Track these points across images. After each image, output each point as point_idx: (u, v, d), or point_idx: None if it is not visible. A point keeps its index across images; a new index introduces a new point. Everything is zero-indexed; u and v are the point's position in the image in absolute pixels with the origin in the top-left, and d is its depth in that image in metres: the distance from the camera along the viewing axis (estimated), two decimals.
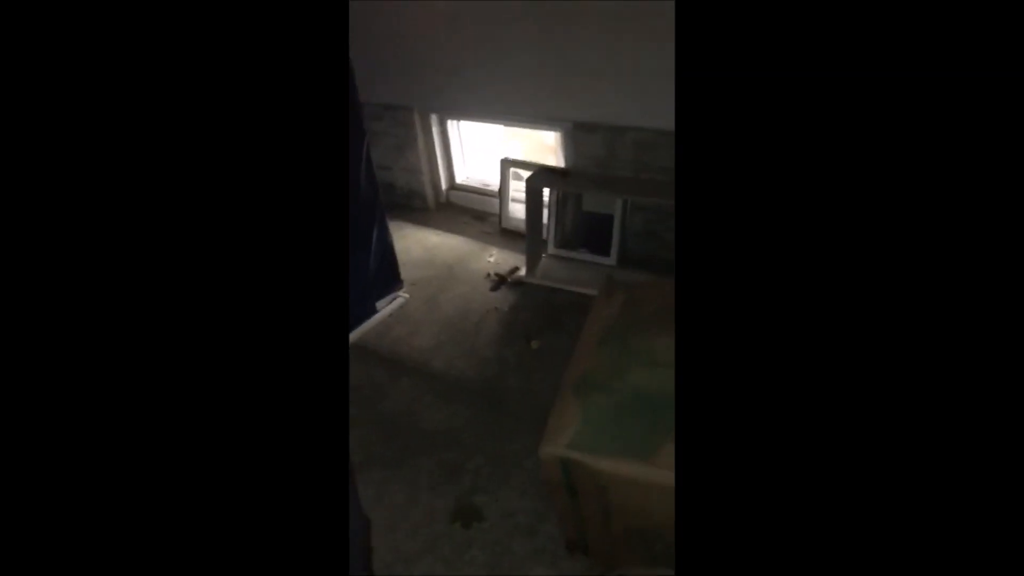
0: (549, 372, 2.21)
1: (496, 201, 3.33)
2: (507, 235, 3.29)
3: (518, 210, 3.16)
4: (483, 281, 2.89)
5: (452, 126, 3.45)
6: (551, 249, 3.04)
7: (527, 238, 2.88)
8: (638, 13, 2.41)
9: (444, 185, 3.62)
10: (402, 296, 2.77)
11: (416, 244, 3.26)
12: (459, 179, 3.62)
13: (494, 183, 3.36)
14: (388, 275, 2.68)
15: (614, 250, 2.89)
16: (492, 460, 1.93)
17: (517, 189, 3.16)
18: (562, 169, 2.82)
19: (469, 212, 3.55)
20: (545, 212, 2.99)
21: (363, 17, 3.05)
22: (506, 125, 3.19)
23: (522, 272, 2.91)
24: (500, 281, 2.86)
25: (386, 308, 2.69)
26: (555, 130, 2.97)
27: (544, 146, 3.27)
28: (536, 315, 2.62)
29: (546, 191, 2.89)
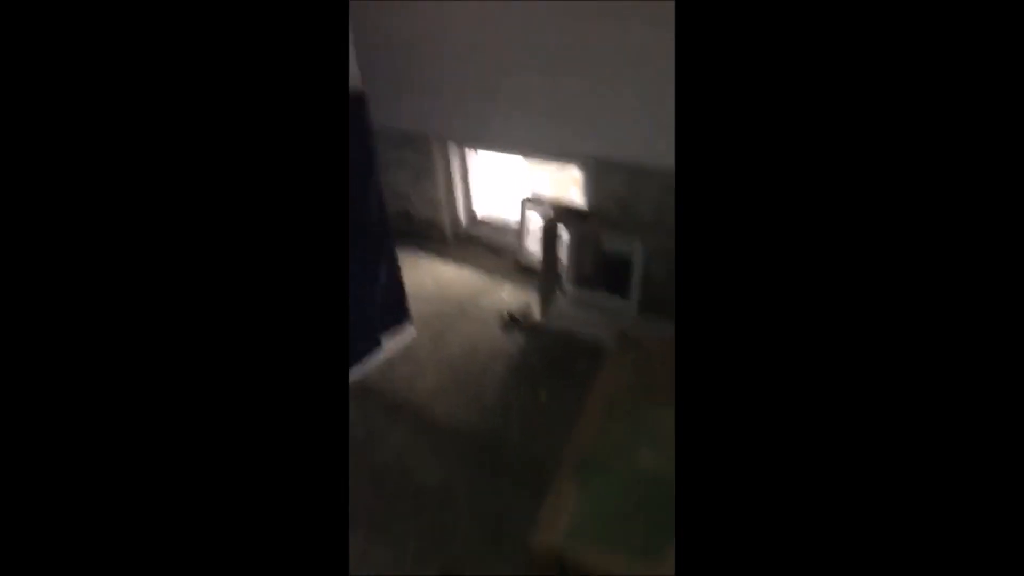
0: (555, 429, 2.06)
1: (515, 235, 3.22)
2: (524, 272, 3.16)
3: (537, 247, 3.03)
4: (495, 320, 2.76)
5: (473, 156, 3.37)
6: (568, 289, 2.90)
7: (542, 278, 2.75)
8: (666, 50, 2.29)
9: (463, 216, 3.53)
10: (409, 332, 2.66)
11: (429, 277, 3.16)
12: (478, 211, 3.53)
13: (514, 216, 3.26)
14: (395, 310, 2.58)
15: (634, 294, 2.74)
16: (484, 525, 1.78)
17: (537, 224, 3.04)
18: (582, 210, 2.69)
19: (487, 245, 3.44)
20: (563, 249, 2.86)
21: (386, 41, 3.02)
22: (527, 158, 3.09)
23: (536, 313, 2.77)
24: (512, 321, 2.72)
25: (391, 345, 2.58)
26: (576, 166, 2.85)
27: (570, 177, 3.15)
28: (547, 361, 2.48)
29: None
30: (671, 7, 1.02)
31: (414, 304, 2.69)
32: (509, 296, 2.96)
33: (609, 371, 1.49)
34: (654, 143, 2.52)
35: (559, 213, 2.73)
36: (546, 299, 2.77)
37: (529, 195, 3.08)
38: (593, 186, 2.80)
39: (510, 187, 3.42)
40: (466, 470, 1.98)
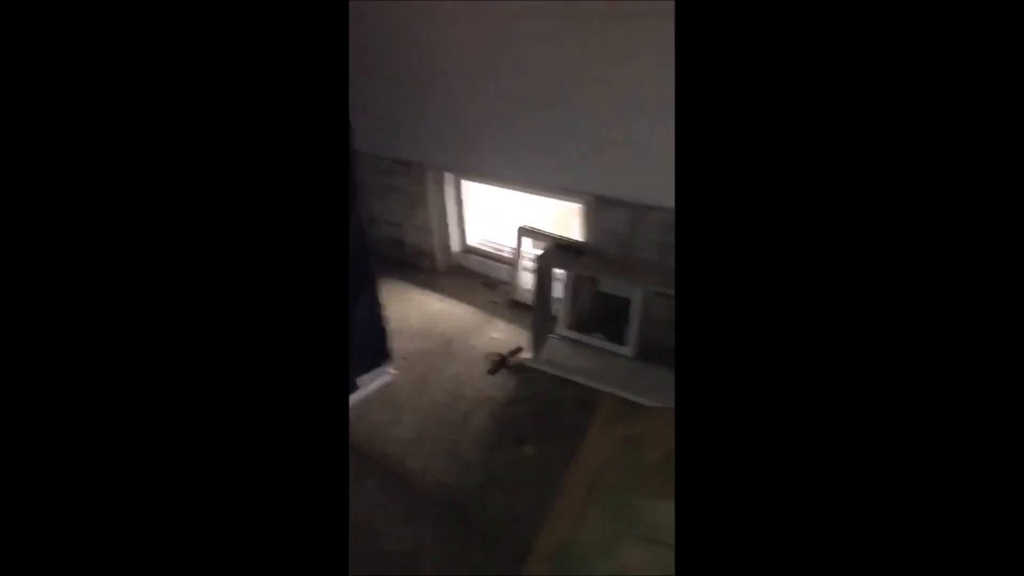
0: (539, 491, 1.86)
1: (509, 268, 3.06)
2: (517, 308, 3.00)
3: (532, 280, 2.87)
4: (481, 361, 2.59)
5: (468, 186, 3.23)
6: (562, 330, 2.73)
7: (534, 317, 2.57)
8: (666, 83, 2.16)
9: (456, 247, 3.38)
10: (389, 373, 2.48)
11: (417, 310, 3.00)
12: (472, 241, 3.37)
13: (509, 247, 3.10)
14: (374, 349, 2.41)
15: (631, 338, 2.56)
16: None
17: (531, 258, 2.89)
18: (577, 246, 2.53)
19: (479, 277, 3.28)
20: (559, 288, 2.69)
21: (380, 66, 2.90)
22: (524, 191, 2.95)
23: (526, 354, 2.60)
24: (500, 363, 2.55)
25: (369, 386, 2.40)
26: (575, 201, 2.70)
27: (569, 209, 3.00)
28: (535, 411, 2.29)
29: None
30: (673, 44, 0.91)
31: (398, 340, 2.53)
32: (499, 334, 2.79)
33: (594, 444, 1.32)
34: (655, 180, 2.38)
35: (555, 248, 2.57)
36: (538, 340, 2.60)
37: (526, 225, 2.93)
38: (591, 223, 2.64)
39: (506, 219, 3.27)
40: (438, 532, 1.78)
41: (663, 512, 1.10)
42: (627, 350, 2.58)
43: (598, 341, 2.65)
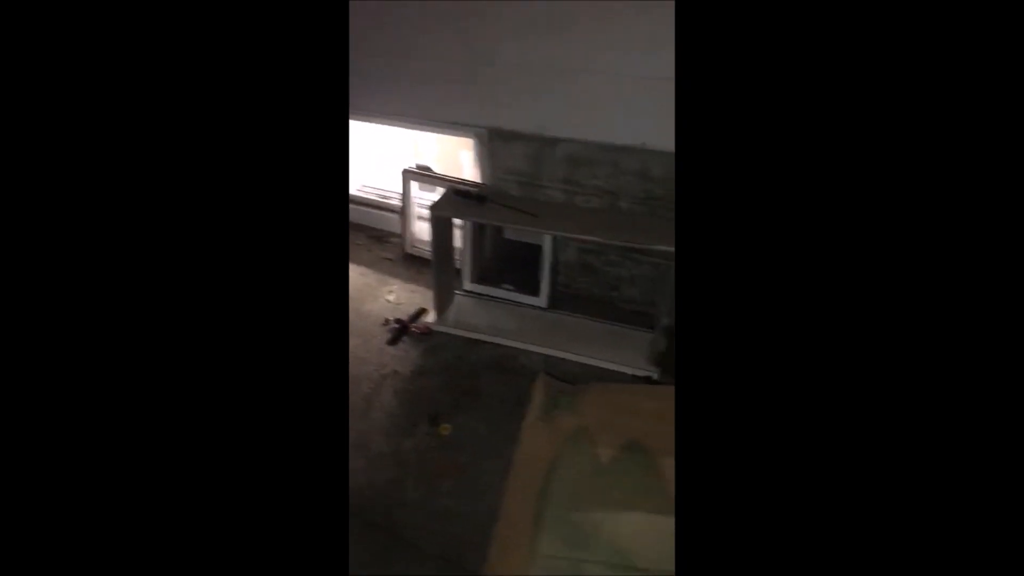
0: (463, 477, 1.65)
1: (399, 217, 2.70)
2: (413, 262, 2.67)
3: (426, 229, 2.53)
4: (379, 331, 2.26)
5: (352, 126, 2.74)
6: (466, 285, 2.46)
7: (434, 275, 2.27)
8: (575, 8, 1.85)
9: None
10: None
11: None
12: (353, 189, 2.93)
13: (395, 193, 2.71)
14: None
15: (544, 288, 2.35)
16: None
17: (424, 203, 2.53)
18: (477, 192, 2.21)
19: (365, 231, 2.88)
20: (458, 236, 2.39)
21: None
22: (410, 129, 2.54)
23: (430, 317, 2.31)
24: (401, 330, 2.24)
25: None
26: (469, 137, 2.35)
27: (457, 145, 2.65)
28: (447, 381, 2.04)
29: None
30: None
31: None
32: (397, 295, 2.46)
33: (532, 441, 1.10)
34: (557, 109, 2.10)
35: (452, 194, 2.24)
36: (441, 298, 2.31)
37: (412, 168, 2.55)
38: (486, 160, 2.33)
39: (385, 160, 2.85)
40: (357, 553, 1.52)
41: (625, 526, 0.91)
42: (540, 300, 2.37)
43: (508, 293, 2.41)
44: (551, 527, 0.95)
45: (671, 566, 0.79)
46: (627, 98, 1.96)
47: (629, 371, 2.05)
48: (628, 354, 2.09)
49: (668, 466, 0.86)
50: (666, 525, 0.81)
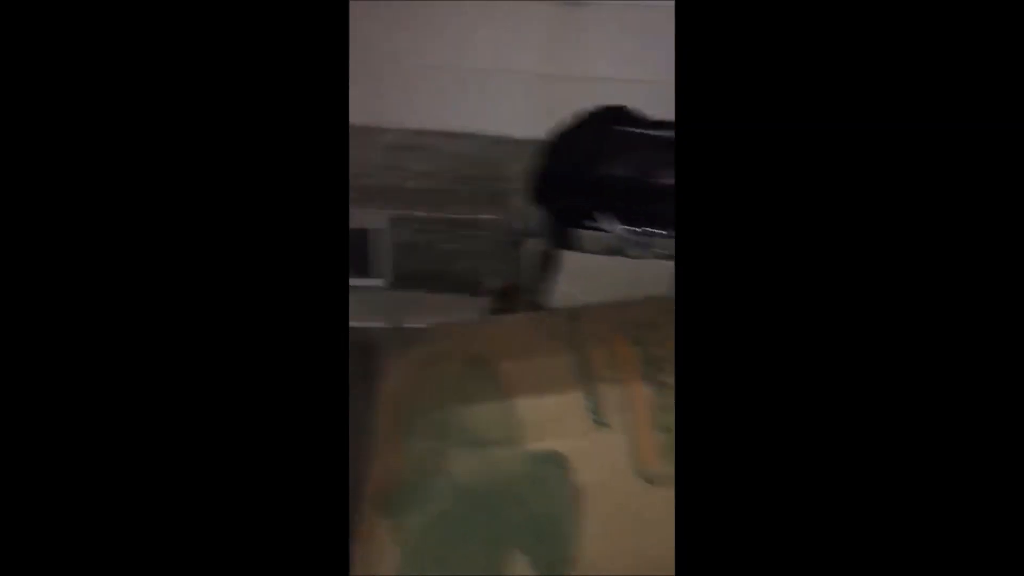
0: None
1: None
2: None
3: None
4: None
5: None
6: None
7: None
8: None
9: None
10: None
11: None
12: None
13: None
14: None
15: (385, 269, 2.48)
16: None
17: None
18: None
19: None
20: None
21: None
22: None
23: None
24: None
25: None
26: None
27: None
28: None
29: None
30: None
31: None
32: None
33: (388, 379, 1.25)
34: (376, 103, 2.24)
35: None
36: None
37: None
38: None
39: None
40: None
41: (481, 413, 1.12)
42: (379, 282, 2.49)
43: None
44: (414, 429, 1.13)
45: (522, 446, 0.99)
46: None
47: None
48: (458, 315, 2.30)
49: (504, 369, 1.07)
50: (508, 408, 1.02)
